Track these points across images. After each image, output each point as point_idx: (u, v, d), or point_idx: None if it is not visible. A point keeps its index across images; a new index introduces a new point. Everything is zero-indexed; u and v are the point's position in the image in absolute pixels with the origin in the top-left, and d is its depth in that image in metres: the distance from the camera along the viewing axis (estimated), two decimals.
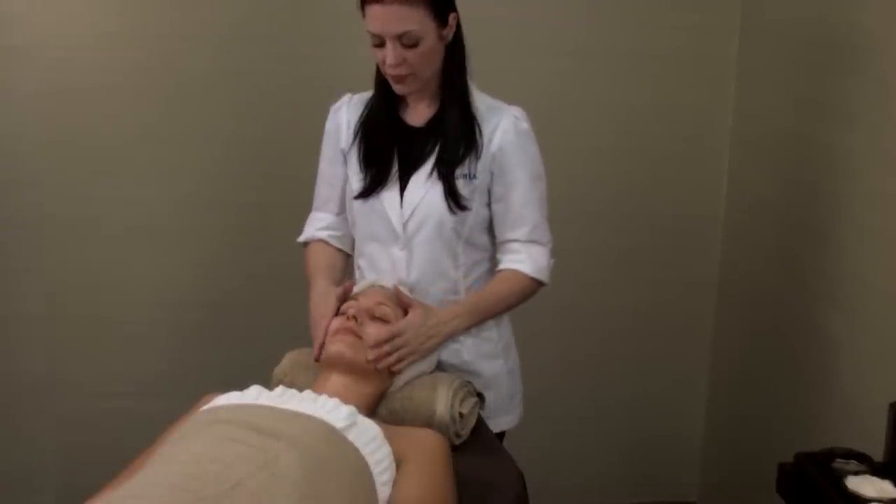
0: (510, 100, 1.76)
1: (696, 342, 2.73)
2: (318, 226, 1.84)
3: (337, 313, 1.60)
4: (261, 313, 2.51)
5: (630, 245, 2.64)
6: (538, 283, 1.75)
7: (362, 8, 1.59)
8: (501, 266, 1.75)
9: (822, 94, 2.12)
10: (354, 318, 1.55)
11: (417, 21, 1.56)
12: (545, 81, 2.47)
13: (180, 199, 2.47)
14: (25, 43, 2.33)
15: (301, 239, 1.86)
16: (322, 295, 1.67)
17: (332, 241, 1.83)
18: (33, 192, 2.41)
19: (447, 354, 1.73)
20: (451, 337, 1.68)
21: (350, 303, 1.60)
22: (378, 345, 1.53)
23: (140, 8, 2.36)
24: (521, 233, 1.72)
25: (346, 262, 1.85)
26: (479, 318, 1.71)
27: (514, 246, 1.73)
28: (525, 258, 1.73)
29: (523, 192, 1.70)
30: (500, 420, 1.82)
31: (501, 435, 1.84)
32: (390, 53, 1.58)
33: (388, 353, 1.54)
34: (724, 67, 2.56)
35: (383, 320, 1.58)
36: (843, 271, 2.03)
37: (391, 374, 1.57)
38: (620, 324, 2.69)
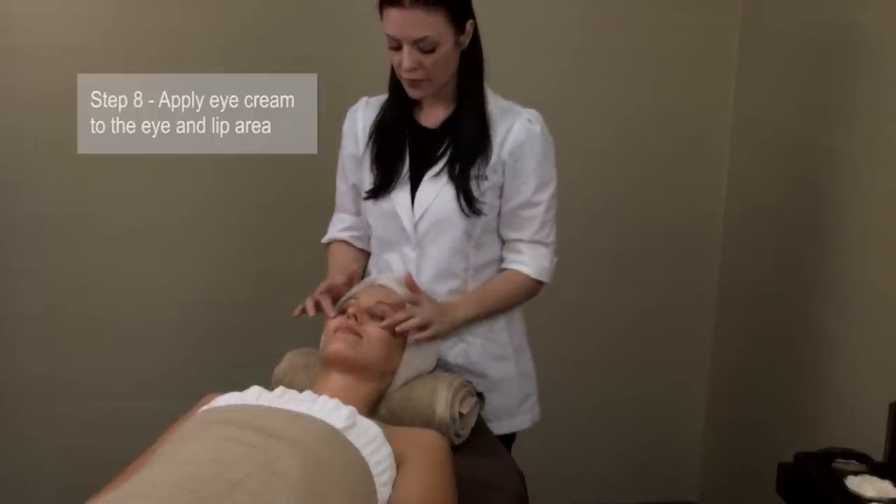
0: (510, 99, 1.76)
1: (696, 342, 2.73)
2: (340, 227, 1.88)
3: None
4: (261, 313, 2.50)
5: (630, 245, 2.63)
6: (539, 284, 1.77)
7: (380, 10, 1.58)
8: (505, 265, 1.76)
9: (823, 95, 2.12)
10: (354, 316, 1.56)
11: (435, 27, 1.56)
12: (545, 81, 2.47)
13: (180, 199, 2.47)
14: (25, 43, 2.33)
15: (324, 240, 1.90)
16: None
17: (354, 242, 1.87)
18: (33, 192, 2.41)
19: (454, 355, 1.74)
20: (460, 325, 1.68)
21: (350, 301, 1.61)
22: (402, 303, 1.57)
23: (140, 8, 2.36)
24: (525, 234, 1.74)
25: (367, 261, 1.87)
26: (485, 312, 1.73)
27: (518, 246, 1.75)
28: (528, 259, 1.74)
29: (530, 195, 1.71)
30: (508, 423, 1.81)
31: (510, 437, 1.84)
32: (406, 58, 1.58)
33: (406, 317, 1.56)
34: (724, 68, 2.56)
35: (383, 319, 1.58)
36: (843, 272, 2.03)
37: (391, 373, 1.57)
38: (620, 324, 2.69)
